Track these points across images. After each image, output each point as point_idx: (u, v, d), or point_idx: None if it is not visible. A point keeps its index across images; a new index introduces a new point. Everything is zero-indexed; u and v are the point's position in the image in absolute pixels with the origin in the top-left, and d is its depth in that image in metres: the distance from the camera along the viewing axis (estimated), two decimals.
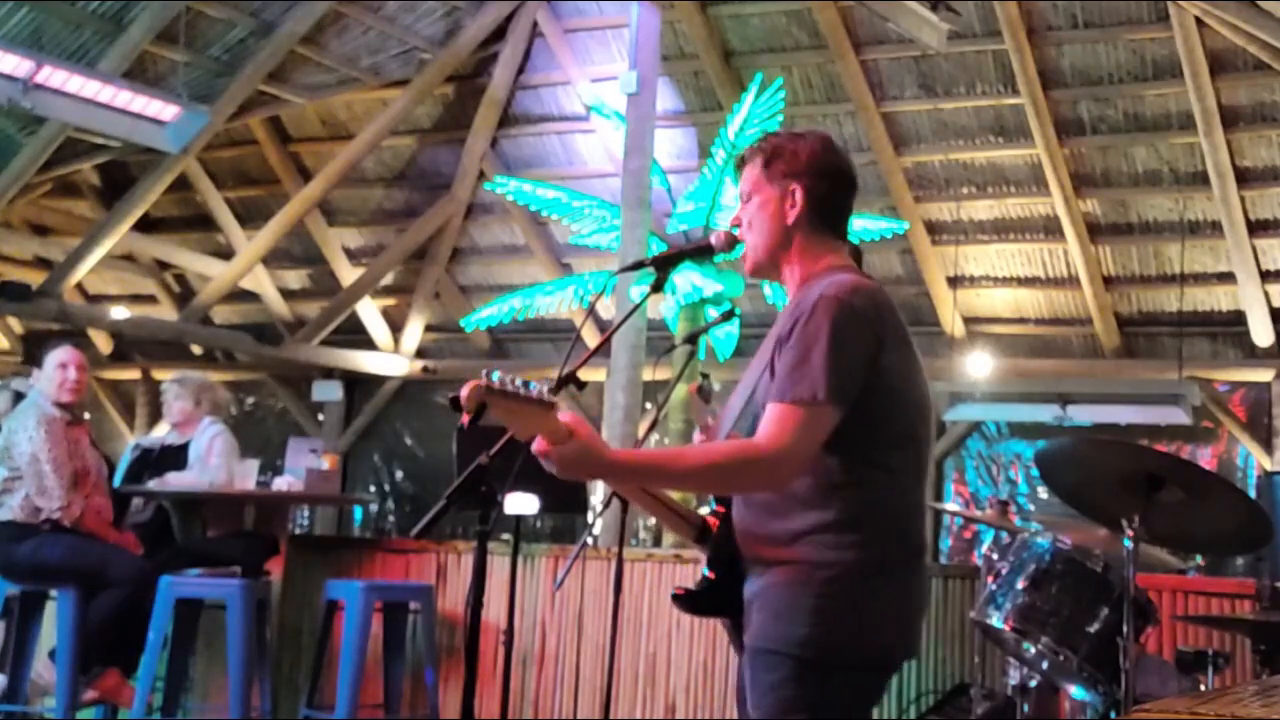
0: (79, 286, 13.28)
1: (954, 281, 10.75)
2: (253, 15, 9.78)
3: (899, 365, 2.73)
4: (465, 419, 2.50)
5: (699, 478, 2.72)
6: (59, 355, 5.96)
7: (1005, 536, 4.99)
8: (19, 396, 6.08)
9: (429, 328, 12.96)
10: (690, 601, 2.86)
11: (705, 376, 3.65)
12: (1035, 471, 7.39)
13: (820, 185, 2.84)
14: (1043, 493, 10.27)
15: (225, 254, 12.55)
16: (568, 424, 2.54)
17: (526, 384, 2.48)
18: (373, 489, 13.28)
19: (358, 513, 13.46)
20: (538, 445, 2.54)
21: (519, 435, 2.55)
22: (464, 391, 2.50)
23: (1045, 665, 4.31)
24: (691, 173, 10.44)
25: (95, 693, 5.88)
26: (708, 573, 2.81)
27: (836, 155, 2.88)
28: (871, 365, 2.66)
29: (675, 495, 3.01)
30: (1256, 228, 9.71)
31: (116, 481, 6.34)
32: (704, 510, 2.91)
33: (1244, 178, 9.55)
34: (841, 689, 2.66)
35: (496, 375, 2.47)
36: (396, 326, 12.97)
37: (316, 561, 6.94)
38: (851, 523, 2.66)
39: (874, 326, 2.68)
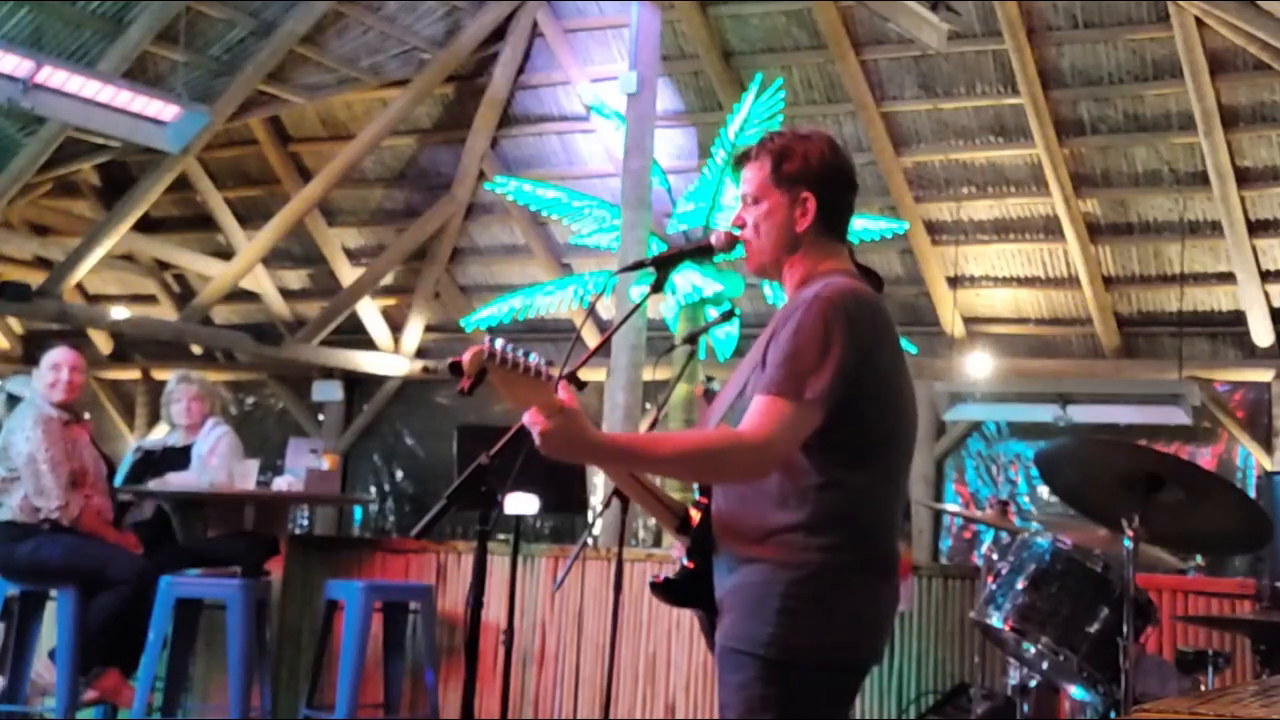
0: (79, 286, 13.28)
1: (954, 281, 10.75)
2: (253, 15, 9.77)
3: (886, 372, 2.73)
4: (465, 384, 2.51)
5: (681, 463, 2.73)
6: (53, 356, 5.99)
7: (1005, 536, 4.99)
8: (16, 399, 6.09)
9: (429, 328, 12.96)
10: (668, 590, 2.87)
11: (710, 379, 3.66)
12: (1035, 471, 7.41)
13: (830, 192, 2.84)
14: (1043, 493, 10.27)
15: (225, 254, 12.55)
16: (560, 401, 2.54)
17: (527, 354, 2.51)
18: (373, 489, 13.27)
19: (358, 513, 13.45)
20: (529, 416, 2.55)
21: (513, 406, 2.57)
22: (465, 357, 2.51)
23: (1045, 665, 4.31)
24: (691, 173, 10.44)
25: (95, 693, 5.89)
26: (686, 562, 2.83)
27: (842, 157, 2.89)
28: (859, 370, 2.66)
29: (676, 496, 3.01)
30: (1256, 228, 9.70)
31: (118, 482, 6.34)
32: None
33: (1244, 178, 9.54)
34: (809, 689, 2.67)
35: (499, 342, 2.49)
36: (396, 326, 12.97)
37: (316, 561, 6.95)
38: (822, 525, 2.66)
39: (865, 331, 2.69)
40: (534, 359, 2.52)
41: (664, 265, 2.88)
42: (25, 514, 5.78)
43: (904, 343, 2.91)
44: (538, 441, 2.54)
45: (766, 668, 2.65)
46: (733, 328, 9.73)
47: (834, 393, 2.63)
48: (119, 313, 11.53)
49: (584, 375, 2.70)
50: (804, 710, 2.65)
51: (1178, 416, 9.50)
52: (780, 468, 2.66)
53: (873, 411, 2.70)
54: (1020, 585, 4.18)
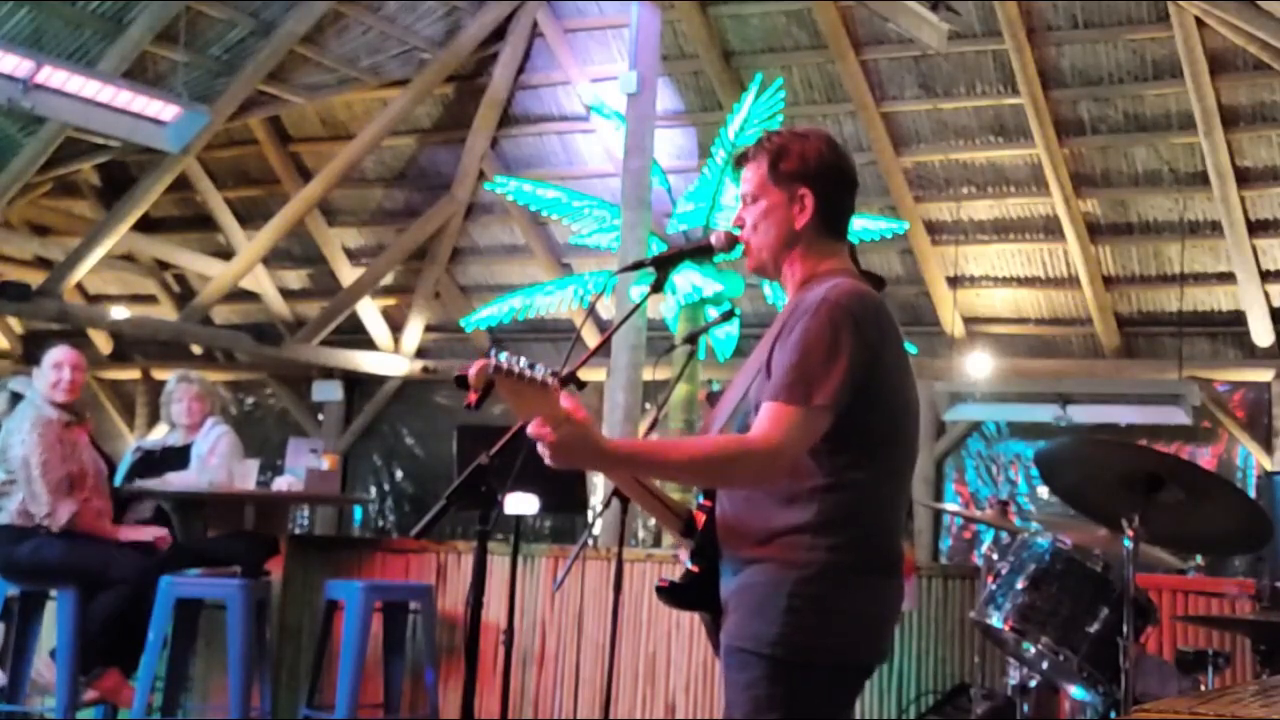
0: (79, 286, 13.28)
1: (954, 281, 10.75)
2: (253, 15, 9.77)
3: (891, 374, 2.74)
4: (472, 397, 2.52)
5: (691, 469, 2.73)
6: (54, 355, 5.99)
7: (1005, 536, 4.99)
8: (17, 397, 6.08)
9: (429, 328, 12.96)
10: (674, 594, 2.88)
11: (709, 382, 3.67)
12: (1035, 471, 7.41)
13: (827, 189, 2.84)
14: (1043, 493, 10.26)
15: (225, 254, 12.55)
16: (567, 410, 2.55)
17: (532, 365, 2.52)
18: (373, 489, 13.27)
19: (358, 513, 13.45)
20: (534, 428, 2.55)
21: (520, 416, 2.57)
22: (472, 370, 2.52)
23: (1045, 665, 4.31)
24: (691, 173, 10.44)
25: (95, 693, 5.89)
26: (691, 565, 2.83)
27: (841, 156, 2.89)
28: (865, 372, 2.67)
29: (676, 496, 3.01)
30: (1256, 228, 9.70)
31: (118, 482, 6.34)
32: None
33: (1244, 178, 9.54)
34: (814, 688, 2.67)
35: (504, 355, 2.51)
36: (396, 326, 12.97)
37: (316, 561, 6.94)
38: (828, 525, 2.67)
39: (871, 332, 2.69)
40: (539, 370, 2.52)
41: (664, 265, 2.88)
42: (23, 518, 5.78)
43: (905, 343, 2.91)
44: (546, 454, 2.55)
45: (772, 667, 2.65)
46: (733, 328, 9.73)
47: (842, 397, 2.64)
48: (119, 313, 11.53)
49: (584, 375, 2.70)
50: (809, 709, 2.66)
51: (1178, 416, 9.51)
52: (789, 472, 2.66)
53: (878, 412, 2.71)
54: (1020, 585, 4.18)
